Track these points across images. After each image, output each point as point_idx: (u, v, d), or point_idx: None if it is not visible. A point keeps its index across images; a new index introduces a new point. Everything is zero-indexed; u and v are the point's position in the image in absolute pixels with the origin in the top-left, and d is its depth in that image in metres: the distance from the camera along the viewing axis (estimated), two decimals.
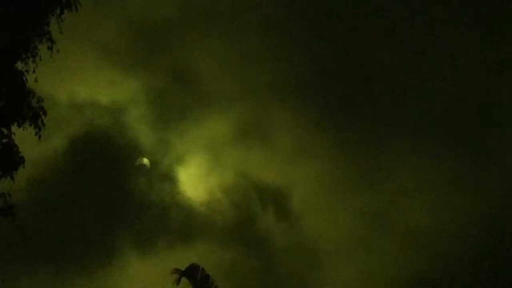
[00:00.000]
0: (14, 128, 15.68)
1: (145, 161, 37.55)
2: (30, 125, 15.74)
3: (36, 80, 15.95)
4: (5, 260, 29.89)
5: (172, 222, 36.36)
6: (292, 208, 38.63)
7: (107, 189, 35.21)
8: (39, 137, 15.84)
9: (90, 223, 33.81)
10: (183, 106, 39.98)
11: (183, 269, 19.09)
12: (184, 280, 19.01)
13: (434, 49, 40.21)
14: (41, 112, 15.80)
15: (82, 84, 38.50)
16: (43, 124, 15.80)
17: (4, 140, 15.47)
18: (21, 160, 15.61)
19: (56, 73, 36.39)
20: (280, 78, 41.04)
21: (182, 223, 36.44)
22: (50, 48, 16.02)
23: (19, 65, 15.70)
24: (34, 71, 15.85)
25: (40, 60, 15.94)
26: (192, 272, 19.21)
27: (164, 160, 38.63)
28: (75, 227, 33.56)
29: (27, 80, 15.75)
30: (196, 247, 35.63)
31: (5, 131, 15.53)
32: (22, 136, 15.94)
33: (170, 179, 38.00)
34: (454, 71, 40.08)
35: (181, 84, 40.35)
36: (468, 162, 38.46)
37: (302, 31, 40.80)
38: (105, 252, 33.74)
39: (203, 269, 19.27)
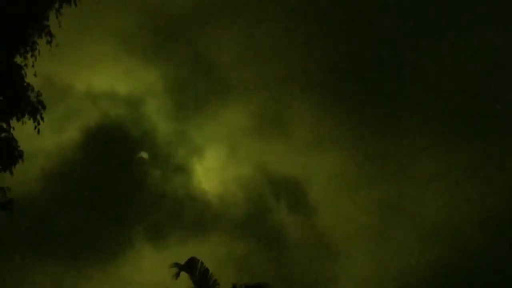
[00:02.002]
0: (13, 122, 15.74)
1: (144, 154, 37.57)
2: (29, 119, 15.78)
3: (35, 75, 15.99)
4: (18, 252, 30.21)
5: (186, 215, 36.38)
6: (307, 201, 38.51)
7: (121, 181, 35.35)
8: (38, 131, 15.86)
9: (103, 215, 33.97)
10: (201, 97, 39.99)
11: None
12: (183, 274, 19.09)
13: (452, 41, 39.70)
14: (40, 106, 15.82)
15: (100, 74, 38.71)
16: (42, 118, 15.83)
17: (3, 135, 15.50)
18: (20, 155, 15.61)
19: (74, 63, 36.66)
20: (299, 70, 40.91)
21: (196, 216, 36.46)
22: (49, 42, 16.05)
23: (18, 59, 15.76)
24: (33, 66, 15.88)
25: (39, 54, 15.97)
26: (191, 266, 19.25)
27: (180, 152, 38.66)
28: (88, 219, 33.75)
29: (26, 75, 15.78)
30: (210, 240, 35.66)
31: (4, 125, 15.57)
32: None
33: (185, 171, 38.04)
34: (472, 64, 39.62)
35: (199, 75, 40.37)
36: (485, 153, 38.03)
37: (322, 22, 40.60)
38: (117, 245, 33.90)
39: (202, 263, 19.31)
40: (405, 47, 40.32)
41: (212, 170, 38.88)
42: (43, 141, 34.90)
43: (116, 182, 35.13)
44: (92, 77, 38.28)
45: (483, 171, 37.53)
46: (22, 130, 15.94)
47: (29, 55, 15.85)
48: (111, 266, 33.13)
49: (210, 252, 34.18)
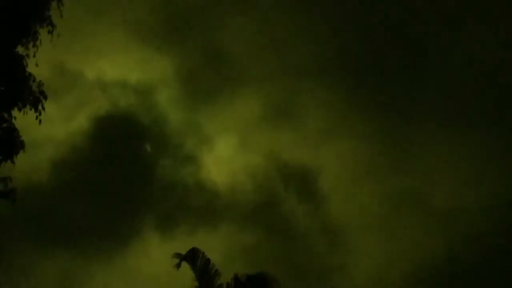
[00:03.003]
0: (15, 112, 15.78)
1: (147, 147, 37.57)
2: (31, 109, 15.80)
3: (36, 65, 15.99)
4: (25, 242, 30.34)
5: (195, 205, 36.31)
6: (318, 190, 38.44)
7: (130, 171, 35.35)
8: (40, 121, 15.87)
9: (112, 205, 34.02)
10: (212, 86, 39.92)
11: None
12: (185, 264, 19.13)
13: (468, 31, 39.42)
14: (41, 97, 15.83)
15: (111, 63, 38.74)
16: (44, 109, 15.84)
17: (4, 125, 15.54)
18: (22, 145, 15.64)
19: (85, 51, 36.70)
20: (311, 59, 40.76)
21: (204, 206, 36.37)
22: (50, 32, 16.04)
23: (20, 49, 15.77)
24: (34, 56, 15.89)
25: (41, 44, 15.98)
26: (192, 256, 19.28)
27: (190, 142, 38.62)
28: (96, 209, 33.82)
29: (27, 65, 15.79)
30: (219, 230, 35.61)
31: (5, 115, 15.60)
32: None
33: (194, 161, 37.99)
34: (486, 54, 39.28)
35: (211, 64, 40.29)
36: (499, 143, 37.78)
37: (335, 12, 40.40)
38: (125, 235, 33.92)
39: (203, 253, 19.33)
40: (420, 35, 40.08)
41: (222, 160, 38.89)
42: (52, 130, 35.10)
43: (125, 172, 35.16)
44: (103, 66, 38.36)
45: (499, 161, 37.29)
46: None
47: (30, 45, 15.86)
48: (119, 256, 33.23)
49: (219, 242, 34.27)
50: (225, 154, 39.08)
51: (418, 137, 39.46)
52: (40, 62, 16.22)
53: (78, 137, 36.15)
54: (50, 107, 15.90)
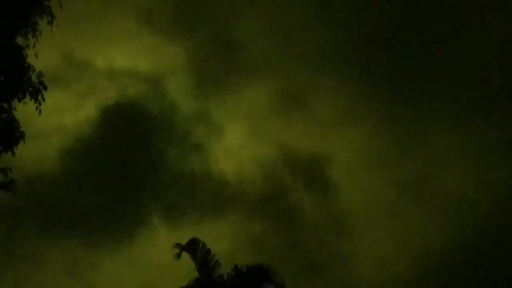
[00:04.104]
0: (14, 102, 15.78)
1: None
2: (31, 100, 15.80)
3: (36, 55, 15.97)
4: (34, 231, 30.48)
5: (202, 195, 36.20)
6: (326, 179, 38.29)
7: (138, 159, 35.36)
8: (40, 112, 15.86)
9: (119, 194, 34.08)
10: (222, 74, 39.81)
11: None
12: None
13: (478, 22, 39.07)
14: (41, 87, 15.82)
15: (120, 51, 38.72)
16: (43, 99, 15.83)
17: (4, 115, 15.55)
18: (22, 135, 15.64)
19: (94, 39, 36.70)
20: (321, 47, 40.60)
21: (212, 196, 36.28)
22: (50, 23, 16.02)
23: (19, 40, 15.76)
24: (34, 46, 15.88)
25: (40, 34, 15.97)
26: (192, 246, 19.30)
27: (198, 131, 38.54)
28: (103, 198, 33.88)
29: (27, 55, 15.78)
30: (226, 219, 35.53)
31: (5, 106, 15.61)
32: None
33: (202, 150, 37.89)
34: (498, 45, 39.00)
35: (221, 53, 40.18)
36: (509, 131, 37.47)
37: (345, 1, 40.23)
38: (133, 224, 33.93)
39: (203, 243, 19.34)
40: (429, 23, 39.78)
41: (230, 149, 38.78)
42: (61, 119, 35.19)
43: (132, 161, 35.19)
44: (112, 54, 38.33)
45: (504, 151, 37.02)
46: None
47: (30, 36, 15.85)
48: (126, 245, 33.28)
49: (227, 231, 34.23)
50: (234, 143, 39.01)
51: (428, 126, 39.28)
52: (49, 50, 16.23)
53: (86, 126, 36.26)
54: (59, 95, 15.96)
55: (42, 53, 16.15)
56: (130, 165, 35.01)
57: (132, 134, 36.29)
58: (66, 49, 35.46)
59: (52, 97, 16.17)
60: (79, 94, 37.21)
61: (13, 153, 15.78)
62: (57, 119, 34.87)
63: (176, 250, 19.52)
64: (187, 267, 20.18)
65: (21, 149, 15.82)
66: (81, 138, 35.64)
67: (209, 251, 19.27)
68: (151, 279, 29.96)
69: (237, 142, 39.05)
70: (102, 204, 33.64)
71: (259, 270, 19.00)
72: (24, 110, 15.80)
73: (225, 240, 32.33)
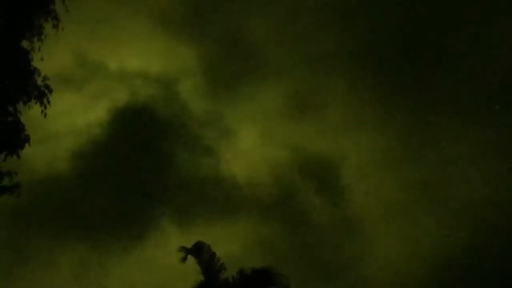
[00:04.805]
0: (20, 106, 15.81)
1: None
2: (36, 103, 15.84)
3: (41, 59, 16.01)
4: (44, 232, 30.54)
5: (214, 197, 36.04)
6: (337, 182, 38.10)
7: (149, 161, 35.33)
8: (45, 115, 15.90)
9: (130, 196, 34.07)
10: (235, 76, 39.74)
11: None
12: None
13: (485, 21, 38.79)
14: (46, 91, 15.86)
15: (133, 53, 38.75)
16: (49, 102, 15.87)
17: (9, 118, 15.57)
18: (27, 139, 15.65)
19: (107, 41, 36.74)
20: (333, 49, 40.46)
21: (223, 198, 36.12)
22: (55, 26, 16.06)
23: (25, 43, 15.81)
24: (39, 50, 15.93)
25: (45, 37, 16.01)
26: (198, 250, 19.26)
27: (210, 133, 38.41)
28: (114, 200, 33.90)
29: (32, 59, 15.83)
30: (237, 222, 35.38)
31: (10, 109, 15.64)
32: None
33: (214, 152, 37.75)
34: (504, 44, 38.73)
35: (233, 55, 40.11)
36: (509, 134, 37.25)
37: (357, 5, 40.11)
38: (143, 226, 33.89)
39: (209, 247, 19.29)
40: (439, 30, 39.65)
41: (241, 152, 38.63)
42: (72, 120, 35.29)
43: (143, 163, 35.15)
44: (124, 56, 38.36)
45: (506, 151, 36.76)
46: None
47: (35, 39, 15.89)
48: (136, 247, 33.23)
49: (238, 234, 34.11)
50: (245, 146, 38.86)
51: (438, 129, 39.08)
52: (61, 52, 16.23)
53: (97, 127, 36.30)
54: (71, 97, 15.97)
55: (54, 55, 16.18)
56: (140, 167, 35.01)
57: (143, 136, 36.30)
58: (78, 51, 35.54)
59: (63, 99, 16.19)
60: (91, 95, 37.30)
61: (18, 157, 15.82)
62: (68, 121, 35.01)
63: (182, 254, 19.51)
64: (197, 269, 20.16)
65: (32, 151, 15.87)
66: (92, 140, 35.75)
67: (214, 254, 19.23)
68: (161, 282, 29.88)
69: (248, 145, 38.97)
70: (112, 206, 33.68)
71: (264, 274, 18.94)
72: (34, 112, 15.88)
73: (236, 243, 32.31)
